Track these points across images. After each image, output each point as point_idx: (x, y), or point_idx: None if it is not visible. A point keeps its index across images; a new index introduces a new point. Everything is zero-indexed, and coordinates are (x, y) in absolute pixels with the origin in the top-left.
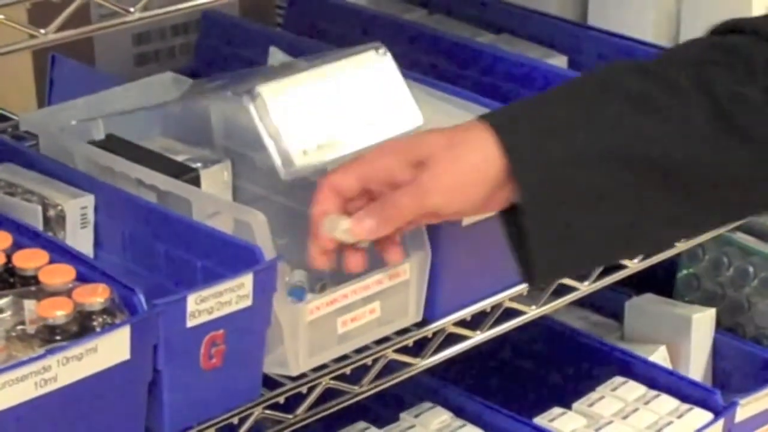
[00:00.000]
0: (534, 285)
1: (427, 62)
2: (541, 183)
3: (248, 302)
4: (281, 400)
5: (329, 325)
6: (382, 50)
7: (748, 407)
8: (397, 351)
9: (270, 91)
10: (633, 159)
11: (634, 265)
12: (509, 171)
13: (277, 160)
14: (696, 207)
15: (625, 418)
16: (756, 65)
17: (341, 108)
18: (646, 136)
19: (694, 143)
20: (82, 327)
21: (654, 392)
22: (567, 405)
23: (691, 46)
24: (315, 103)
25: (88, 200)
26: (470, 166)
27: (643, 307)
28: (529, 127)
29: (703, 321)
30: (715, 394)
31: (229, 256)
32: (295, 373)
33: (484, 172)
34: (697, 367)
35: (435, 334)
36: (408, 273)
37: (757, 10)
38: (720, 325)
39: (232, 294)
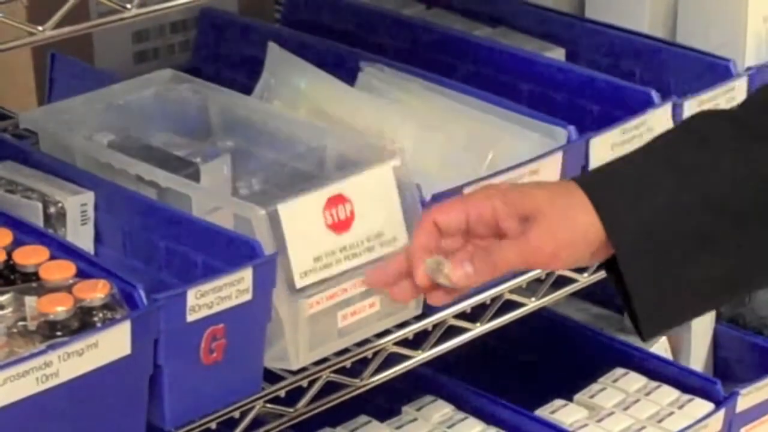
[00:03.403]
0: (644, 339)
1: (426, 56)
2: (636, 240)
3: (248, 296)
4: (282, 393)
5: (329, 319)
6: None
7: (748, 397)
8: (398, 344)
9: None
10: (727, 204)
11: None
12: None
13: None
14: None
15: (626, 409)
16: None
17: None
18: (738, 181)
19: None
20: (82, 322)
21: (655, 383)
22: (568, 397)
23: None
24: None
25: (88, 197)
26: (578, 225)
27: None
28: (619, 184)
29: None
30: (716, 384)
31: (228, 251)
32: (295, 366)
33: (591, 232)
34: (697, 358)
35: (435, 326)
36: None
37: (753, 2)
38: (720, 316)
39: (232, 288)
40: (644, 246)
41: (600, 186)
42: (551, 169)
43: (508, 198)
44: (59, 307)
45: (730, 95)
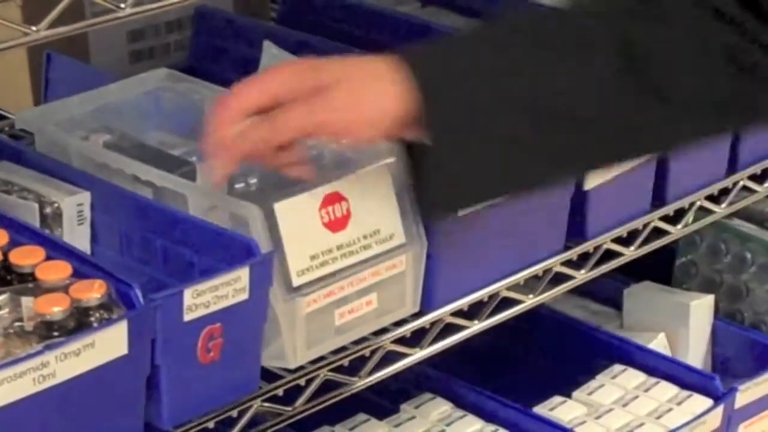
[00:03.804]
0: (429, 216)
1: None
2: (448, 127)
3: (245, 295)
4: (280, 392)
5: (326, 317)
6: None
7: (747, 393)
8: (395, 342)
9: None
10: (537, 108)
11: (631, 253)
12: (417, 111)
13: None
14: (594, 154)
15: (625, 405)
16: (677, 19)
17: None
18: (553, 87)
19: (602, 96)
20: (79, 323)
21: (653, 379)
22: (567, 394)
23: None
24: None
25: (85, 197)
26: (369, 105)
27: (641, 294)
28: (442, 72)
29: (701, 308)
30: (714, 380)
31: (225, 250)
32: (293, 365)
33: (383, 111)
34: (696, 354)
35: (432, 324)
36: (404, 264)
37: None
38: (718, 312)
39: (229, 287)
40: (454, 132)
41: (425, 70)
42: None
43: (302, 70)
44: (56, 308)
45: None
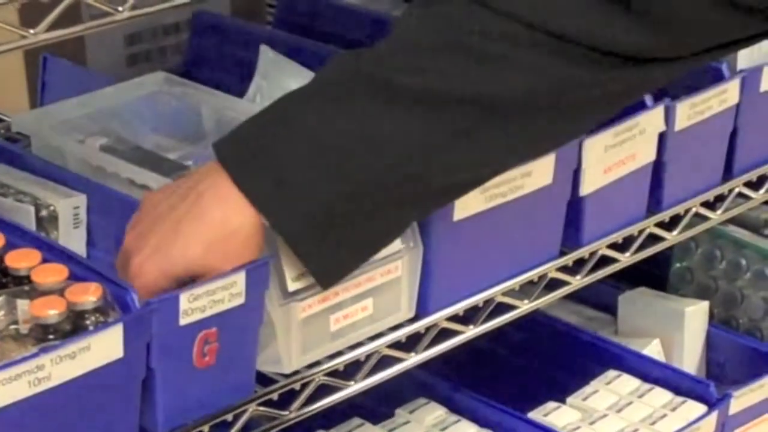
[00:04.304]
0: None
1: None
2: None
3: (241, 300)
4: (275, 397)
5: (322, 323)
6: None
7: (741, 399)
8: (390, 347)
9: None
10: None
11: (626, 259)
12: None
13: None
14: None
15: (619, 411)
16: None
17: None
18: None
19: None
20: (75, 326)
21: (648, 385)
22: (561, 399)
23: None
24: None
25: (81, 200)
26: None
27: (636, 300)
28: (268, 169)
29: (696, 314)
30: (708, 386)
31: None
32: (288, 370)
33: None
34: (690, 360)
35: (428, 329)
36: (400, 269)
37: None
38: (713, 318)
39: (225, 292)
40: (310, 226)
41: (252, 178)
42: (544, 171)
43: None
44: (51, 311)
45: (723, 97)
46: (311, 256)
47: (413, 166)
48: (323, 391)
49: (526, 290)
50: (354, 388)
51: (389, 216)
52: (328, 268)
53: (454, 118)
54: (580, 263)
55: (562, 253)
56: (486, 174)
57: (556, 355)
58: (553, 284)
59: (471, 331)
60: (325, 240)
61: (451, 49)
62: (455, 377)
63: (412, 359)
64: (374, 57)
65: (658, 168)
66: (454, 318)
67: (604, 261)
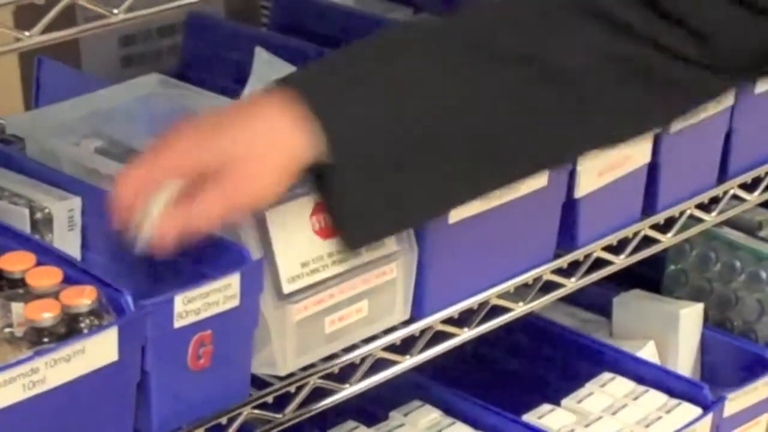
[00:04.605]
0: (347, 245)
1: None
2: (350, 155)
3: (236, 302)
4: (270, 399)
5: (317, 325)
6: None
7: (736, 402)
8: (385, 349)
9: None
10: (437, 125)
11: (621, 261)
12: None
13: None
14: (506, 165)
15: (614, 413)
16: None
17: None
18: (456, 102)
19: (509, 107)
20: (69, 329)
21: (643, 388)
22: (556, 401)
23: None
24: None
25: (75, 203)
26: (277, 169)
27: (631, 303)
28: (336, 99)
29: (690, 316)
30: (703, 388)
31: (216, 257)
32: (283, 372)
33: (293, 164)
34: (685, 362)
35: (422, 332)
36: (395, 271)
37: None
38: (708, 320)
39: (220, 294)
40: (359, 153)
41: (319, 94)
42: (538, 174)
43: (201, 142)
44: (46, 314)
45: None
46: (351, 201)
47: (492, 127)
48: (318, 393)
49: (520, 293)
50: (349, 390)
51: (447, 178)
52: (365, 222)
53: (533, 87)
54: (574, 265)
55: (557, 256)
56: (556, 158)
57: (550, 358)
58: (548, 286)
59: (466, 334)
60: (373, 185)
61: (542, 16)
62: (450, 380)
63: (407, 362)
64: (472, 19)
65: (652, 170)
66: (449, 320)
67: (599, 263)
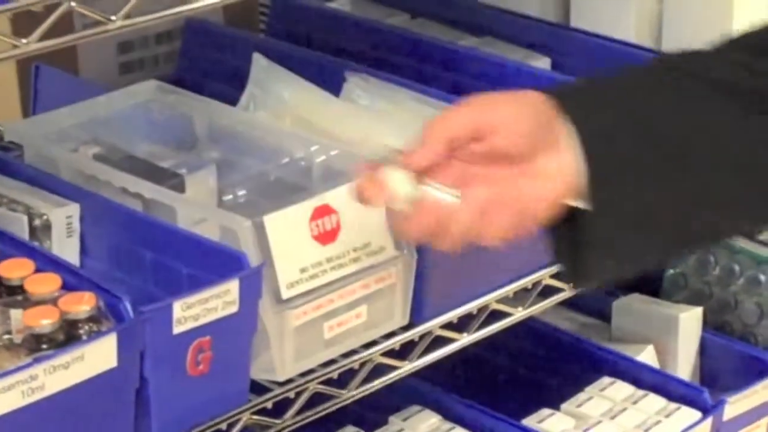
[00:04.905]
0: (580, 284)
1: (410, 66)
2: (610, 188)
3: (234, 308)
4: (269, 405)
5: (316, 330)
6: None
7: (736, 405)
8: (384, 354)
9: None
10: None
11: None
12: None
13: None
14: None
15: (613, 418)
16: None
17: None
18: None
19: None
20: (68, 335)
21: (642, 392)
22: (555, 406)
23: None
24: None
25: (74, 209)
26: (555, 191)
27: (630, 306)
28: (603, 129)
29: (690, 320)
30: (702, 392)
31: (214, 263)
32: (282, 378)
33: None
34: (684, 366)
35: (422, 337)
36: (394, 277)
37: (738, 10)
38: (707, 324)
39: (218, 300)
40: (620, 200)
41: (587, 120)
42: None
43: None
44: (45, 320)
45: None
46: (601, 227)
47: (750, 170)
48: (317, 399)
49: (520, 297)
50: (348, 396)
51: (701, 218)
52: (605, 256)
53: None
54: None
55: None
56: None
57: (550, 362)
58: (547, 291)
59: (465, 339)
60: (624, 213)
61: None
62: (449, 385)
63: (406, 367)
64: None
65: None
66: (448, 325)
67: None
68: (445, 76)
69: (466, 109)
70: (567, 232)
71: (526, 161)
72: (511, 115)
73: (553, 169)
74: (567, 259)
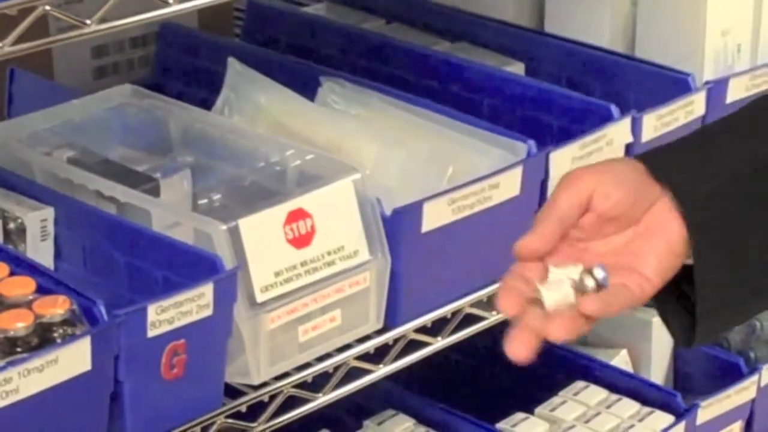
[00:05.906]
0: (698, 343)
1: (385, 71)
2: (713, 254)
3: (209, 312)
4: (243, 409)
5: (290, 334)
6: None
7: (709, 409)
8: (359, 358)
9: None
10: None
11: None
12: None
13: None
14: None
15: (587, 422)
16: None
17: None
18: None
19: None
20: (42, 338)
21: (616, 396)
22: (529, 410)
23: None
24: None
25: (48, 213)
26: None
27: None
28: (700, 194)
29: (663, 325)
30: (676, 396)
31: (189, 266)
32: (256, 381)
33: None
34: (658, 371)
35: (396, 341)
36: (368, 280)
37: (711, 16)
38: None
39: (193, 304)
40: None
41: (683, 186)
42: (511, 183)
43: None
44: (19, 323)
45: (689, 109)
46: (709, 306)
47: None
48: (292, 402)
49: (494, 301)
50: (322, 399)
51: None
52: (713, 310)
53: None
54: None
55: None
56: None
57: (524, 366)
58: None
59: (439, 343)
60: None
61: None
62: (423, 389)
63: (381, 371)
64: None
65: None
66: (422, 329)
67: None
68: (420, 82)
69: (566, 186)
70: (674, 297)
71: (634, 223)
72: (614, 176)
73: (659, 221)
74: (676, 321)
